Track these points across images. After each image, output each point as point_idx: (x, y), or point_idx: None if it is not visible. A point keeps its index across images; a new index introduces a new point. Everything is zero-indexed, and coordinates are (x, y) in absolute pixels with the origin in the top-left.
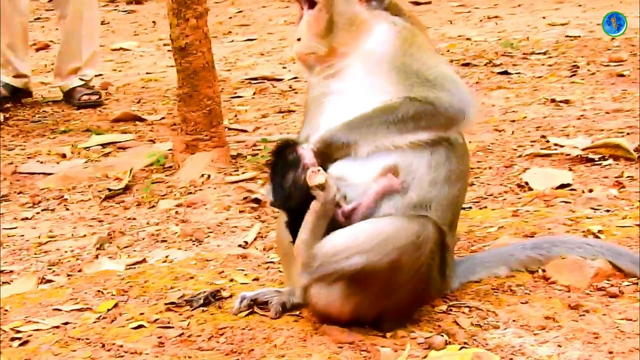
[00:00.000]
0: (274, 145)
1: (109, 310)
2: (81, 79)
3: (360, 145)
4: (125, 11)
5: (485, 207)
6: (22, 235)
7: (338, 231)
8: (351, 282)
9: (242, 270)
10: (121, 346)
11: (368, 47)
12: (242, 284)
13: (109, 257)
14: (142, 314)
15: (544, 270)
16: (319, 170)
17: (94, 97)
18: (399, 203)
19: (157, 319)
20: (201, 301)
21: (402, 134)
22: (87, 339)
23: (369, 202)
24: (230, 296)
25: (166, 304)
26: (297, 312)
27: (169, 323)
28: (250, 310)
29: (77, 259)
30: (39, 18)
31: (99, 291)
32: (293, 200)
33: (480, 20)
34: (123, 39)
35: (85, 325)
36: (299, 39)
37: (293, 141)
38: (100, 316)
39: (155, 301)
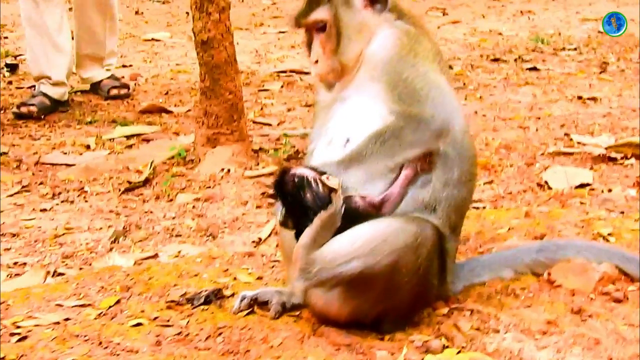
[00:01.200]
0: (277, 172)
1: (110, 307)
2: (107, 70)
3: (357, 183)
4: (160, 1)
5: (502, 206)
6: (40, 227)
7: (337, 237)
8: (350, 285)
9: (248, 268)
10: (118, 344)
11: (370, 52)
12: (245, 282)
13: (123, 251)
14: (142, 311)
15: (549, 274)
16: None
17: (123, 91)
18: (410, 200)
19: (157, 317)
20: (202, 300)
21: (393, 158)
22: (85, 335)
23: (399, 191)
24: (233, 295)
25: (167, 301)
26: (297, 313)
27: (168, 321)
28: (250, 309)
29: (91, 252)
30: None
31: (102, 287)
32: (303, 221)
33: (514, 15)
34: (156, 29)
35: (86, 322)
36: (316, 62)
37: (294, 167)
38: (102, 313)
39: (158, 298)
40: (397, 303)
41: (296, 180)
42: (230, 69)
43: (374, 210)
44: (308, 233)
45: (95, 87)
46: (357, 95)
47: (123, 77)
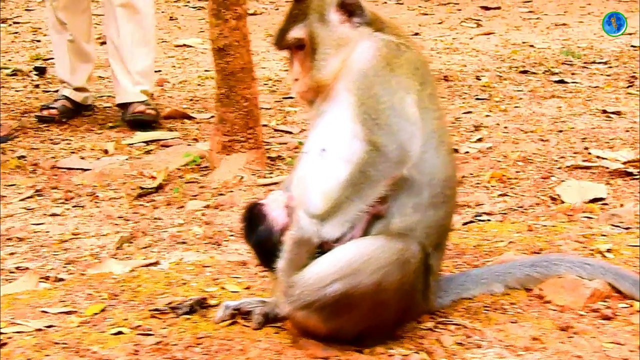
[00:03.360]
0: (244, 208)
1: (95, 314)
2: (143, 91)
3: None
4: (196, 7)
5: (509, 219)
6: (47, 232)
7: (320, 258)
8: (333, 306)
9: (237, 277)
10: (95, 352)
11: (349, 64)
12: (232, 292)
13: (126, 258)
14: (126, 319)
15: (540, 289)
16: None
17: (148, 116)
18: (383, 230)
19: (139, 326)
20: (186, 309)
21: (367, 200)
22: (65, 343)
23: (359, 234)
24: (218, 304)
25: (151, 310)
26: (280, 324)
27: (149, 330)
28: (233, 320)
29: (95, 258)
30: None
31: (90, 294)
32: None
33: (547, 28)
34: (188, 35)
35: (68, 329)
36: (296, 79)
37: (262, 203)
38: (85, 320)
39: (143, 307)
40: (380, 320)
41: (251, 212)
42: (247, 76)
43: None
44: (283, 256)
45: (122, 108)
46: (334, 107)
47: (157, 105)
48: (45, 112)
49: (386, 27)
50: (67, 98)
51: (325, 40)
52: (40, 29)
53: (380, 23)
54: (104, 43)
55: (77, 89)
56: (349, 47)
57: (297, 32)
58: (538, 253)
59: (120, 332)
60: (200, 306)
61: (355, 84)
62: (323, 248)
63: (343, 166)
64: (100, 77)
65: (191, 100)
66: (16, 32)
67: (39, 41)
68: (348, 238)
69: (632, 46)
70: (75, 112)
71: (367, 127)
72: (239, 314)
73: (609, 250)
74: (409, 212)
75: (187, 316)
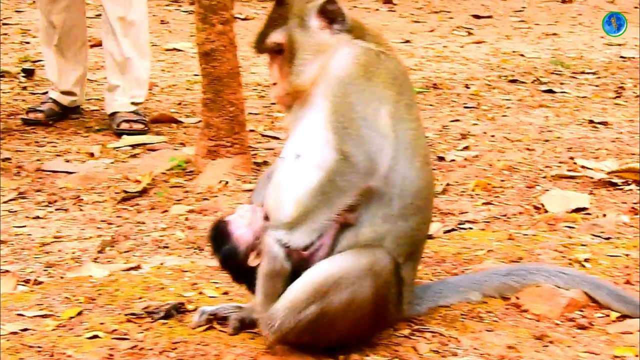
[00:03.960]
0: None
1: (71, 318)
2: (133, 103)
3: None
4: (187, 11)
5: (490, 228)
6: (30, 235)
7: (293, 285)
8: (311, 328)
9: (216, 283)
10: (70, 356)
11: (328, 71)
12: (210, 297)
13: (107, 262)
14: (102, 323)
15: (517, 298)
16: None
17: (137, 126)
18: (353, 239)
19: (115, 330)
20: (162, 313)
21: (334, 209)
22: (39, 347)
23: (329, 242)
24: (195, 309)
25: (127, 314)
26: (256, 329)
27: (125, 335)
28: (209, 325)
29: (76, 262)
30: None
31: (67, 298)
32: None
33: (538, 37)
34: (179, 39)
35: (43, 333)
36: (274, 84)
37: (227, 220)
38: (61, 324)
39: (120, 311)
40: (355, 332)
41: (217, 229)
42: (233, 81)
43: (305, 263)
44: (259, 292)
45: (111, 117)
46: (310, 113)
47: (145, 109)
48: (31, 115)
49: (367, 35)
50: (54, 101)
51: (305, 46)
52: (29, 30)
53: (361, 31)
54: (94, 46)
55: (65, 93)
56: (328, 54)
57: (276, 37)
58: (517, 262)
59: (95, 336)
60: (177, 311)
61: (331, 91)
62: (293, 256)
63: (315, 173)
64: (89, 79)
65: (179, 104)
66: (5, 34)
67: (28, 43)
68: (317, 246)
69: (621, 57)
70: (62, 116)
71: (338, 136)
72: (216, 320)
73: (587, 260)
74: (378, 222)
75: (164, 321)
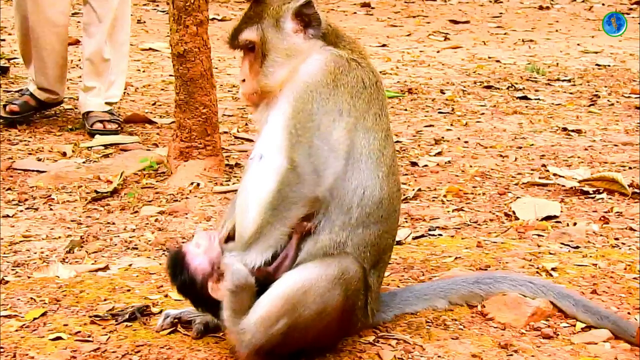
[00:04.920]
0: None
1: (35, 319)
2: (107, 103)
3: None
4: (164, 11)
5: (459, 235)
6: None
7: (262, 299)
8: (283, 340)
9: None
10: (32, 358)
11: (296, 76)
12: (176, 300)
13: (75, 262)
14: (66, 325)
15: (483, 306)
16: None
17: (111, 126)
18: (313, 247)
19: (79, 332)
20: (127, 316)
21: (287, 223)
22: (1, 347)
23: (292, 253)
24: (160, 312)
25: (91, 316)
26: (220, 334)
27: (89, 337)
28: (173, 328)
29: (44, 262)
30: (76, 13)
31: (32, 298)
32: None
33: (515, 43)
34: (155, 39)
35: (6, 334)
36: (243, 80)
37: (184, 251)
38: (24, 325)
39: (84, 313)
40: (323, 340)
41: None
42: (206, 83)
43: (271, 277)
44: (225, 307)
45: (84, 117)
46: (274, 114)
47: (119, 109)
48: (7, 108)
49: (341, 42)
50: (31, 95)
51: (277, 47)
52: (5, 27)
53: (336, 37)
54: (70, 44)
55: (42, 89)
56: (299, 59)
57: (249, 34)
58: (484, 269)
59: (59, 338)
60: (141, 314)
61: (294, 96)
62: (258, 274)
63: (272, 177)
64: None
65: (154, 104)
66: None
67: (4, 40)
68: (281, 258)
69: (596, 65)
70: (37, 110)
71: (290, 143)
72: (180, 323)
73: (554, 269)
74: (336, 230)
75: (128, 323)
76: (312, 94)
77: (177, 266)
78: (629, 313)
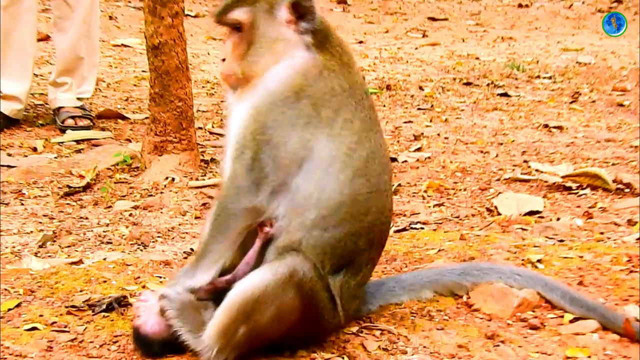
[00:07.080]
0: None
1: (9, 309)
2: (79, 98)
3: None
4: (136, 7)
5: (441, 229)
6: None
7: (217, 311)
8: (247, 344)
9: (160, 277)
10: (8, 348)
11: (272, 72)
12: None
13: (48, 256)
14: (41, 315)
15: (468, 297)
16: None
17: (83, 122)
18: (273, 252)
19: (55, 322)
20: (104, 307)
21: (232, 238)
22: None
23: (252, 260)
24: None
25: (67, 306)
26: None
27: (65, 327)
28: None
29: (15, 256)
30: (46, 9)
31: (6, 290)
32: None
33: (494, 41)
34: (127, 35)
35: None
36: (223, 60)
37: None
38: None
39: (60, 303)
40: (292, 340)
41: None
42: (182, 75)
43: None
44: (179, 332)
45: (55, 113)
46: (237, 114)
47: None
48: None
49: (326, 43)
50: None
51: (264, 35)
52: None
53: (323, 37)
54: (40, 40)
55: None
56: (280, 54)
57: (239, 14)
58: (469, 261)
59: (34, 328)
60: (118, 304)
61: (255, 103)
62: (211, 289)
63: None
64: (34, 74)
65: (126, 100)
66: None
67: None
68: (242, 266)
69: (577, 62)
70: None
71: (237, 153)
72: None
73: (540, 261)
74: (291, 231)
75: (105, 314)
76: (270, 107)
77: (142, 341)
78: (616, 304)
